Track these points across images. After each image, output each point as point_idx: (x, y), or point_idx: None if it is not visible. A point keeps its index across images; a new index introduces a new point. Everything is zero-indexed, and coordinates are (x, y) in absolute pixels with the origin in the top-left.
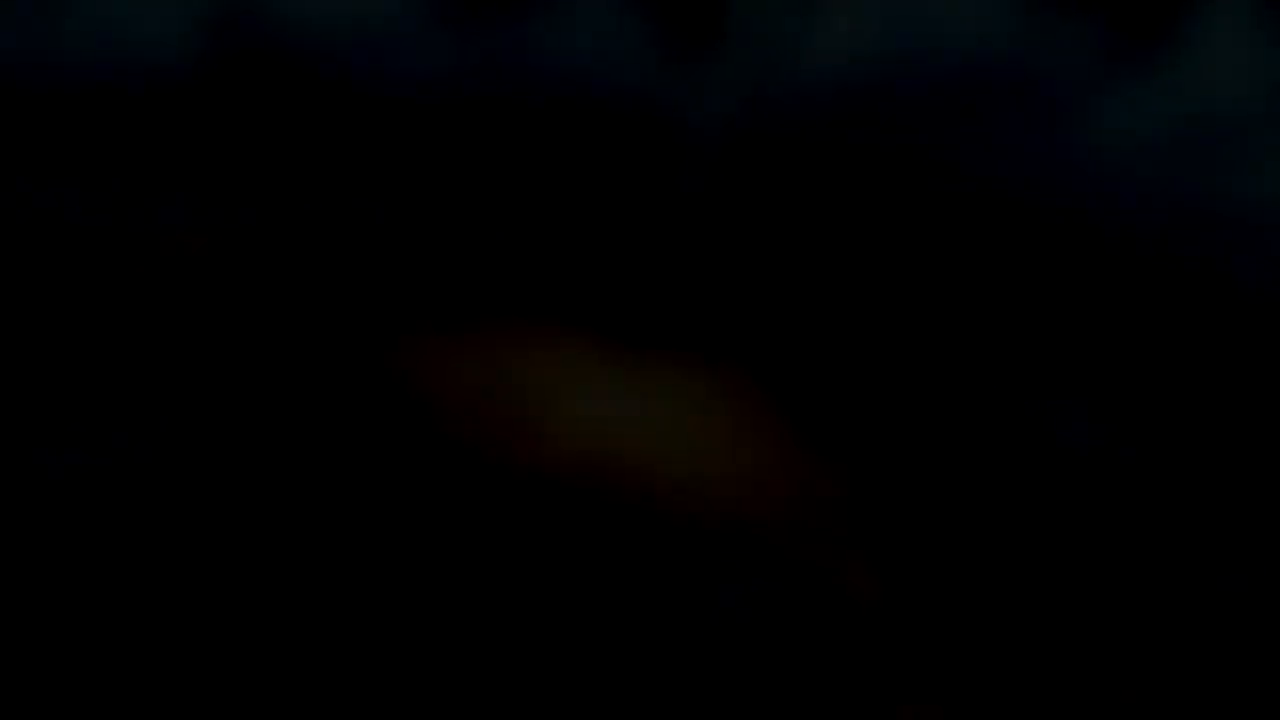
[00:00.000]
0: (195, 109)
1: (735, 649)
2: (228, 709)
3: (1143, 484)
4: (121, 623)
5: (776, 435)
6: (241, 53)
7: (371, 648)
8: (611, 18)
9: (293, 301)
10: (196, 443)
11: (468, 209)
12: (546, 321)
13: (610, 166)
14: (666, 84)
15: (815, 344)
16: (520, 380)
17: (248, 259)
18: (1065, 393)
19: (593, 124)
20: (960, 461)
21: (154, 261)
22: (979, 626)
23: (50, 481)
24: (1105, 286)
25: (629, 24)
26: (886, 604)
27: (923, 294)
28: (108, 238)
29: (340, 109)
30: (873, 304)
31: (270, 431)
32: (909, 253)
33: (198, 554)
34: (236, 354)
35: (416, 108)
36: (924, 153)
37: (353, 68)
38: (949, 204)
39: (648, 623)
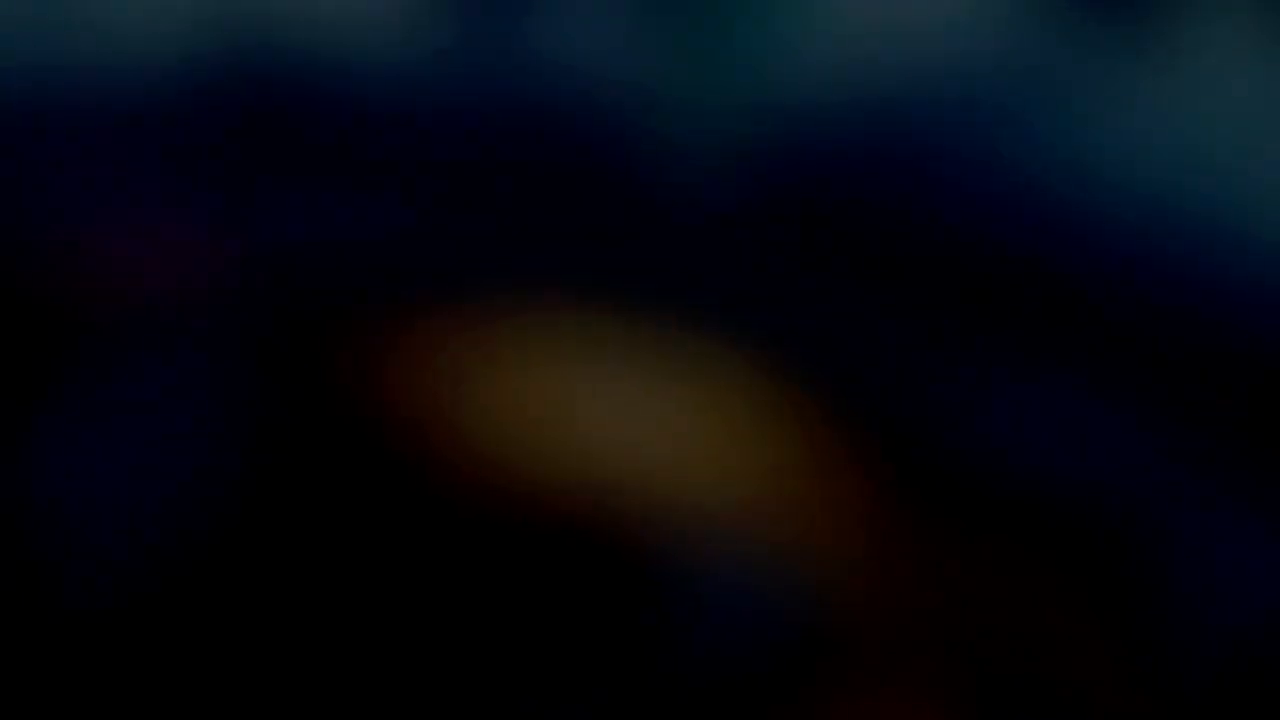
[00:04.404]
0: (191, 108)
1: (736, 651)
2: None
3: (1143, 486)
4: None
5: (791, 432)
6: (235, 52)
7: (371, 643)
8: (608, 19)
9: (288, 296)
10: (186, 440)
11: (462, 207)
12: (548, 319)
13: (610, 166)
14: (662, 85)
15: (826, 340)
16: (520, 377)
17: (243, 256)
18: (1068, 399)
19: (590, 124)
20: (968, 465)
21: (147, 261)
22: (979, 629)
23: (38, 485)
24: (1103, 297)
25: (625, 25)
26: (891, 606)
27: (928, 298)
28: (101, 240)
29: (335, 106)
30: (882, 301)
31: (264, 427)
32: (910, 256)
33: (181, 557)
34: (231, 352)
35: (409, 107)
36: (920, 159)
37: (345, 64)
38: (946, 207)
39: (647, 624)
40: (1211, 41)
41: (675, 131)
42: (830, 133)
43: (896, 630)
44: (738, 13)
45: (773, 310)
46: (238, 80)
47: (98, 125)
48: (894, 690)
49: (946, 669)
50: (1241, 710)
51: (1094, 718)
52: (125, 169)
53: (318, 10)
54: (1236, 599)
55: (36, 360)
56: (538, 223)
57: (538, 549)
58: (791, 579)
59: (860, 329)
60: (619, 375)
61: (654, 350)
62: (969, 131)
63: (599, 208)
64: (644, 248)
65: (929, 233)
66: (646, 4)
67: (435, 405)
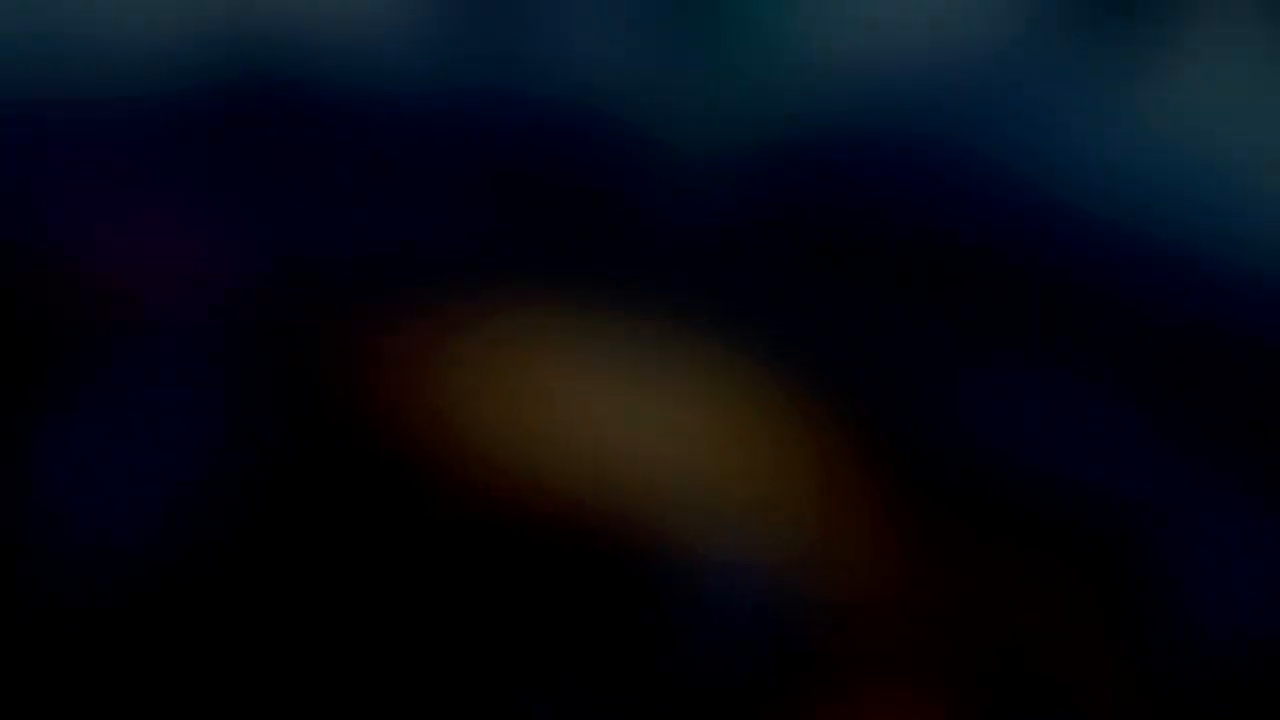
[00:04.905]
0: (191, 109)
1: (736, 651)
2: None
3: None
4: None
5: (793, 433)
6: (235, 53)
7: (370, 640)
8: (608, 20)
9: (288, 297)
10: (186, 441)
11: (463, 208)
12: (548, 320)
13: (611, 168)
14: (663, 87)
15: (829, 341)
16: (520, 378)
17: (243, 256)
18: (1068, 399)
19: (591, 126)
20: (969, 464)
21: (148, 262)
22: (980, 629)
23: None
24: (1104, 297)
25: (625, 26)
26: (892, 606)
27: (931, 299)
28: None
29: (335, 107)
30: (884, 303)
31: (260, 421)
32: (911, 258)
33: (181, 557)
34: (231, 353)
35: (409, 108)
36: (921, 160)
37: (345, 65)
38: (947, 208)
39: (647, 624)
40: (1212, 41)
41: (676, 133)
42: (831, 134)
43: (897, 631)
44: (738, 15)
45: (775, 312)
46: (238, 81)
47: (98, 125)
48: (894, 690)
49: (946, 669)
50: (1241, 710)
51: (1094, 718)
52: (125, 169)
53: (318, 11)
54: (1236, 599)
55: (36, 360)
56: (538, 224)
57: (538, 549)
58: (792, 579)
59: (863, 331)
60: (620, 376)
61: (655, 352)
62: (970, 133)
63: (600, 209)
64: (645, 249)
65: (931, 234)
66: (646, 5)
67: (435, 406)
